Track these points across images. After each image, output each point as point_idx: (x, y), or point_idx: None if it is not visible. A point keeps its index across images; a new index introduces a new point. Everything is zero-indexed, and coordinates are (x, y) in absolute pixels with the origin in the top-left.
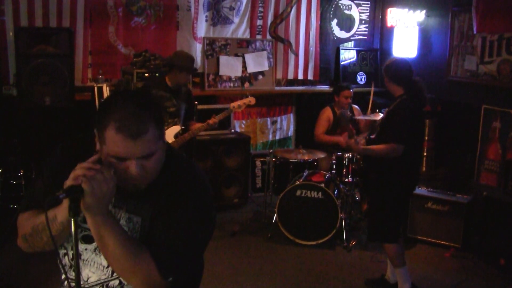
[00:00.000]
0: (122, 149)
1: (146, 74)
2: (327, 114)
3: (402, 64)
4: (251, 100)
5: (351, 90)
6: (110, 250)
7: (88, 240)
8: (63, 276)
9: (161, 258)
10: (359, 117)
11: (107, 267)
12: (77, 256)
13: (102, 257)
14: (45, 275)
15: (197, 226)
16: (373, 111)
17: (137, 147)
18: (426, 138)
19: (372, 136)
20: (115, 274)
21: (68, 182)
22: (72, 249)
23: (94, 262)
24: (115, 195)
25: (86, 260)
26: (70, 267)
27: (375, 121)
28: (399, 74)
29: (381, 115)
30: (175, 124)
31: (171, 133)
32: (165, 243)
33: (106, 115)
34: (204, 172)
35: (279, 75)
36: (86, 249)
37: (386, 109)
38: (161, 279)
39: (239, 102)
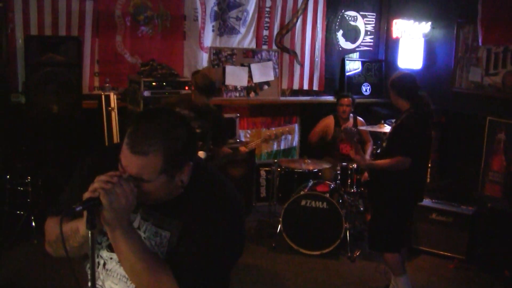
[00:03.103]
0: (123, 157)
1: (154, 83)
2: (327, 121)
3: (408, 78)
4: (290, 130)
5: (349, 98)
6: (130, 265)
7: (112, 249)
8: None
9: (184, 276)
10: (362, 127)
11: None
12: (93, 268)
13: None
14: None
15: (225, 247)
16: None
17: (132, 163)
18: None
19: (379, 151)
20: None
21: (86, 195)
22: (98, 257)
23: (118, 273)
24: (143, 207)
25: (110, 270)
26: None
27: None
28: (405, 88)
29: (386, 126)
30: (201, 148)
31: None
32: (190, 261)
33: (134, 119)
34: (236, 189)
35: (285, 85)
36: (111, 258)
37: (393, 121)
38: None
39: (282, 130)
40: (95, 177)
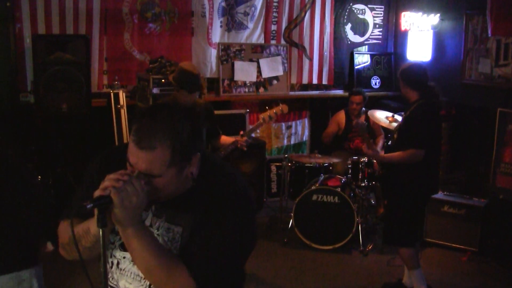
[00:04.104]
0: (130, 154)
1: (163, 80)
2: (339, 117)
3: (418, 69)
4: (283, 108)
5: (361, 95)
6: (144, 262)
7: (126, 248)
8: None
9: (198, 269)
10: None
11: (144, 278)
12: (105, 267)
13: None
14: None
15: (237, 239)
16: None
17: (140, 159)
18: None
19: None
20: (152, 286)
21: (97, 193)
22: (111, 257)
23: (131, 272)
24: (156, 204)
25: (124, 269)
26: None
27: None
28: (415, 79)
29: (396, 116)
30: None
31: None
32: (203, 255)
33: (138, 116)
34: (246, 181)
35: (294, 80)
36: (124, 258)
37: (402, 113)
38: None
39: (269, 113)
40: (105, 177)
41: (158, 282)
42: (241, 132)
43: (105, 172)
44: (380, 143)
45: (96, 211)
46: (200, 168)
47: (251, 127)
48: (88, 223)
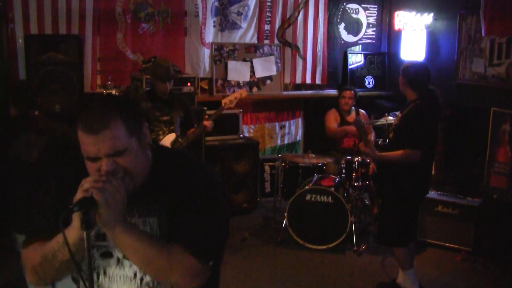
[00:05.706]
0: (89, 147)
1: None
2: (334, 114)
3: (421, 70)
4: (242, 93)
5: (351, 91)
6: (141, 255)
7: (107, 255)
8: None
9: (195, 246)
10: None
11: (134, 277)
12: (90, 270)
13: (125, 269)
14: None
15: (216, 208)
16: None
17: (100, 143)
18: None
19: (380, 140)
20: (144, 282)
21: (79, 195)
22: (95, 268)
23: (120, 276)
24: (130, 197)
25: (112, 276)
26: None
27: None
28: (417, 78)
29: (389, 117)
30: (172, 132)
31: (167, 142)
32: (193, 231)
33: (77, 118)
34: (201, 158)
35: (287, 80)
36: (107, 265)
37: (398, 113)
38: (201, 266)
39: (230, 98)
40: (65, 194)
41: (160, 270)
42: (206, 117)
43: (64, 190)
44: (372, 139)
45: (79, 215)
46: (155, 157)
47: (216, 112)
48: (62, 236)
